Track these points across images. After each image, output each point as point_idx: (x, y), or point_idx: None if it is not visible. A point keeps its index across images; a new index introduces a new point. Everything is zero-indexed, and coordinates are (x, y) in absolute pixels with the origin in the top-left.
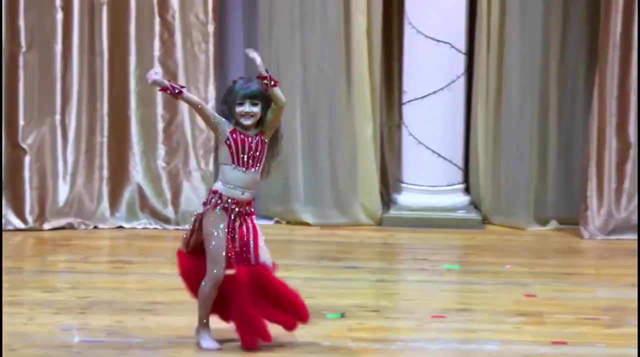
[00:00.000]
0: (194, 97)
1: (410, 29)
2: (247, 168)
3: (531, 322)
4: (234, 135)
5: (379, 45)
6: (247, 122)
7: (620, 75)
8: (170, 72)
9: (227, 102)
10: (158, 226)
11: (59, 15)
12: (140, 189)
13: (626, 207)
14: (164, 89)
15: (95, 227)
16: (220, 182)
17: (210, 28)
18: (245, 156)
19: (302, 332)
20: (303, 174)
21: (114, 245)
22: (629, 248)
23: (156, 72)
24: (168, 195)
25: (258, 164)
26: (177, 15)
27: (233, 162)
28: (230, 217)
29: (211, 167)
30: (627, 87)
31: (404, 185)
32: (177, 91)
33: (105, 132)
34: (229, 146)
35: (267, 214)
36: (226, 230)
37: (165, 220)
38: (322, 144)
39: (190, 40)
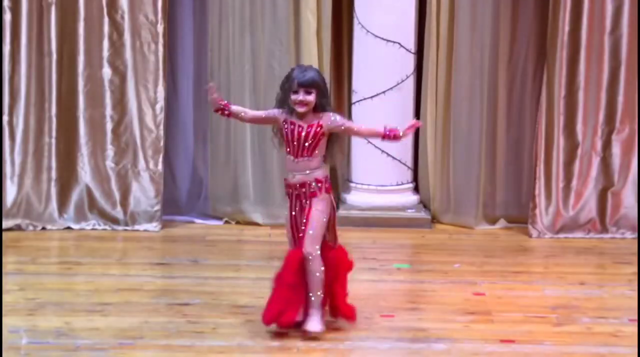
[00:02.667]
0: (238, 108)
1: (359, 28)
2: (296, 156)
3: (480, 320)
4: (286, 124)
5: (328, 45)
6: (301, 109)
7: (568, 74)
8: (119, 72)
9: (283, 89)
10: (107, 227)
11: (7, 16)
12: (88, 190)
13: (574, 206)
14: (217, 109)
15: (44, 229)
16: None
17: (160, 28)
18: (296, 145)
19: (251, 332)
20: (252, 174)
21: (62, 246)
22: (577, 246)
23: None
24: (117, 195)
25: (310, 152)
26: (126, 16)
27: (286, 150)
28: (290, 200)
29: (160, 167)
30: (575, 86)
31: (353, 185)
32: (227, 112)
33: (54, 133)
34: (283, 135)
35: (217, 215)
36: (289, 213)
37: (114, 220)
38: (271, 144)
39: (139, 41)
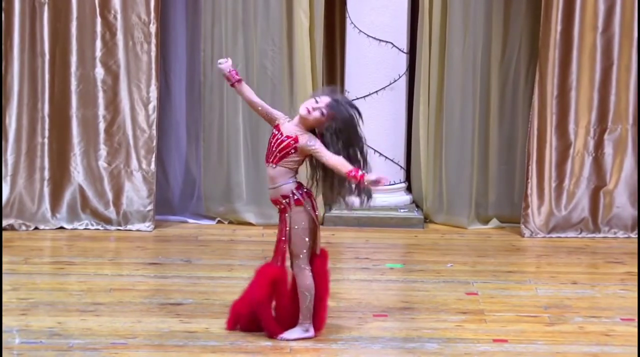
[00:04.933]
0: (248, 90)
1: (352, 28)
2: (266, 160)
3: (472, 320)
4: (274, 129)
5: (321, 45)
6: (303, 113)
7: (561, 74)
8: (112, 72)
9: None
10: (100, 227)
11: None
12: (81, 190)
13: (566, 206)
14: (226, 77)
15: (36, 228)
16: None
17: (152, 28)
18: (268, 148)
19: (244, 332)
20: (245, 173)
21: (55, 246)
22: (569, 246)
23: (224, 61)
24: (110, 195)
25: (275, 160)
26: (119, 16)
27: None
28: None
29: (153, 167)
30: (567, 86)
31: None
32: (230, 83)
33: (46, 133)
34: None
35: (210, 214)
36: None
37: (107, 220)
38: (264, 144)
39: (132, 41)
